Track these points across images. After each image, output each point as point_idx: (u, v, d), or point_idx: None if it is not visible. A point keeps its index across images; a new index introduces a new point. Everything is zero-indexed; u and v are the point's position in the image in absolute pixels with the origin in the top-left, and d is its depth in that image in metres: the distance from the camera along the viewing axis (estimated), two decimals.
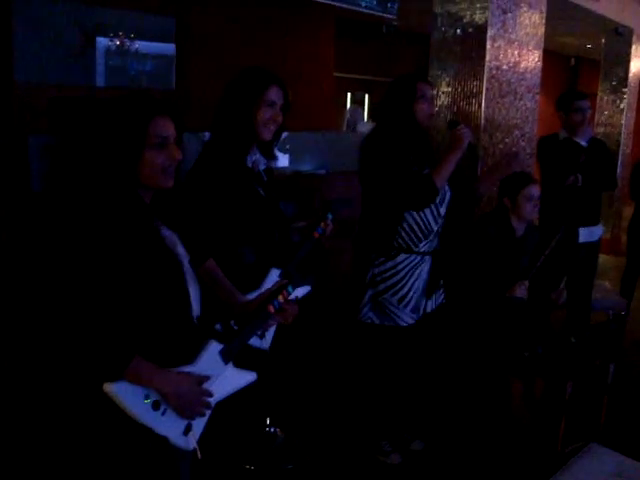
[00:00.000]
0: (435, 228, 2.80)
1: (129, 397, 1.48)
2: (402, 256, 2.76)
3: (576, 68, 11.12)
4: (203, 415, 1.63)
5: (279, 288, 1.78)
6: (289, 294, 1.78)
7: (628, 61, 7.58)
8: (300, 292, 2.04)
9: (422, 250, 2.79)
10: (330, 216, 2.27)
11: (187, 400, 1.56)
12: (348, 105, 8.53)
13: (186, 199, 1.98)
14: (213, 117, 2.21)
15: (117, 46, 6.13)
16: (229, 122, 2.17)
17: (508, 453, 2.97)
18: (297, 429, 3.13)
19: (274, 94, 2.19)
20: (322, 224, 2.25)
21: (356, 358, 3.15)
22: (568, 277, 3.99)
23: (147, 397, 1.52)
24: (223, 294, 1.91)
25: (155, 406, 1.53)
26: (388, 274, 2.77)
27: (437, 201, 2.75)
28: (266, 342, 2.24)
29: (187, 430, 1.61)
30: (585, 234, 3.85)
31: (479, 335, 3.00)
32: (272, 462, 2.88)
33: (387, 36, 8.29)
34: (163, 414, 1.55)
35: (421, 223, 2.76)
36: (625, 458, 2.33)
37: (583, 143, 3.76)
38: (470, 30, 4.56)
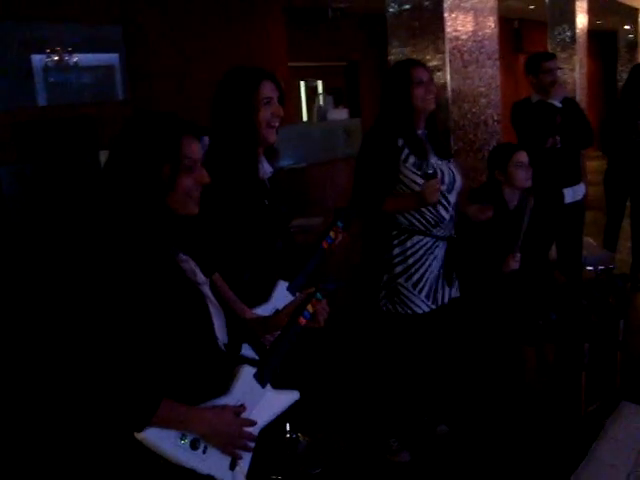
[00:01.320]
0: (446, 216, 2.72)
1: (163, 441, 1.36)
2: (417, 237, 2.69)
3: (519, 30, 11.22)
4: (248, 448, 1.51)
5: (307, 297, 1.64)
6: (319, 302, 1.65)
7: (574, 17, 7.66)
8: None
9: (437, 234, 2.72)
10: (340, 224, 2.13)
11: (228, 436, 1.44)
12: (302, 94, 8.42)
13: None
14: (212, 126, 2.08)
15: (55, 62, 5.90)
16: (230, 134, 2.06)
17: (532, 422, 2.96)
18: (318, 431, 3.06)
19: (268, 89, 2.08)
20: (332, 233, 2.12)
21: (372, 348, 3.07)
22: (558, 239, 4.01)
23: (183, 437, 1.39)
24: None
25: (193, 445, 1.40)
26: (402, 257, 2.69)
27: (444, 189, 2.67)
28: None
29: (233, 465, 1.48)
30: (570, 194, 3.86)
31: (492, 311, 2.96)
32: (299, 469, 2.81)
33: (334, 20, 8.22)
34: (204, 452, 1.42)
35: (432, 210, 2.67)
36: None
37: (557, 104, 3.76)
38: (426, 3, 4.51)
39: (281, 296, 2.07)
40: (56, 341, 1.32)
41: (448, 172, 2.72)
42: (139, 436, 1.33)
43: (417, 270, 2.70)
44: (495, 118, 4.90)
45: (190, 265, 1.52)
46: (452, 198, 2.73)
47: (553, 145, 3.69)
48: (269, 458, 2.75)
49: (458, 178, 2.77)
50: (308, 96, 8.84)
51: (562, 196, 3.84)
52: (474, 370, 3.16)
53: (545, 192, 3.75)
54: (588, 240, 4.71)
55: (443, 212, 2.70)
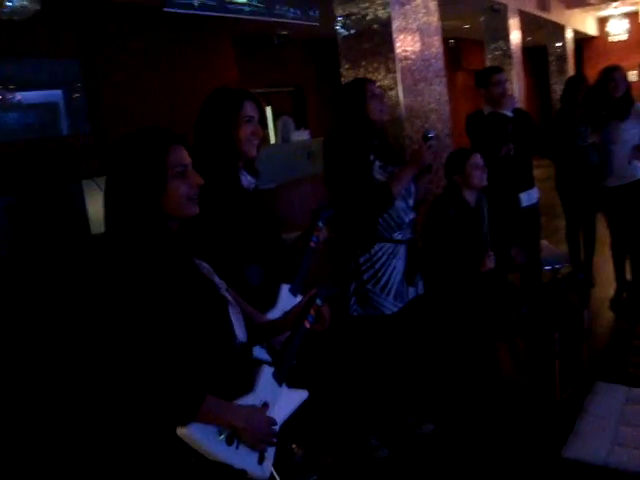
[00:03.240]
0: (406, 220, 2.93)
1: (205, 436, 1.45)
2: (378, 245, 2.88)
3: (457, 48, 11.68)
4: (273, 444, 1.62)
5: (308, 302, 1.76)
6: (318, 307, 1.77)
7: (507, 35, 8.08)
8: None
9: (397, 238, 2.91)
10: (320, 224, 2.33)
11: (259, 432, 1.54)
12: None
13: (194, 230, 1.97)
14: (194, 142, 2.19)
15: None
16: (212, 148, 2.18)
17: (510, 413, 3.12)
18: (310, 438, 3.14)
19: (250, 109, 2.22)
20: (315, 233, 2.31)
21: (348, 353, 3.20)
22: (516, 242, 4.22)
23: (220, 433, 1.49)
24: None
25: (229, 441, 1.50)
26: (369, 263, 2.88)
27: (404, 193, 2.88)
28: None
29: (261, 458, 1.59)
30: (525, 198, 4.08)
31: (464, 310, 3.13)
32: (296, 478, 2.88)
33: (280, 46, 8.41)
34: (237, 447, 1.52)
35: (393, 214, 2.87)
36: (628, 387, 2.53)
37: (509, 114, 4.00)
38: (375, 26, 4.73)
39: (286, 298, 2.20)
40: (102, 351, 1.41)
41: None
42: (182, 431, 1.42)
43: (384, 274, 2.88)
44: (446, 132, 5.15)
45: (207, 268, 1.63)
46: (411, 202, 2.95)
47: (507, 153, 3.90)
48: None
49: (413, 185, 2.97)
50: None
51: (518, 200, 4.05)
52: (451, 367, 3.31)
53: (502, 197, 3.97)
54: (543, 242, 4.96)
55: (403, 215, 2.90)
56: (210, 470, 1.48)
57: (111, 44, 5.72)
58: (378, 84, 4.84)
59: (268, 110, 9.53)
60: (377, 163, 2.84)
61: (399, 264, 2.93)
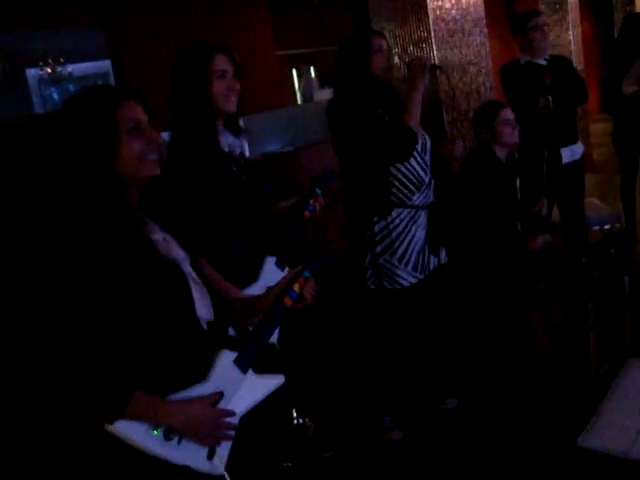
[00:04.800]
0: (425, 179, 2.69)
1: (135, 433, 1.31)
2: (396, 211, 2.65)
3: None
4: (228, 438, 1.46)
5: (294, 276, 1.58)
6: (306, 280, 1.58)
7: None
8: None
9: (417, 203, 2.67)
10: (319, 191, 2.17)
11: (203, 427, 1.39)
12: (295, 81, 8.34)
13: (165, 198, 1.82)
14: (169, 108, 2.05)
15: (49, 74, 5.88)
16: (185, 108, 2.03)
17: (543, 387, 2.90)
18: (324, 414, 3.02)
19: (221, 62, 2.06)
20: (311, 201, 2.14)
21: (367, 327, 3.03)
22: (558, 200, 3.92)
23: (156, 428, 1.34)
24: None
25: (167, 436, 1.35)
26: (384, 233, 2.65)
27: (419, 149, 2.64)
28: (273, 336, 2.10)
29: (211, 454, 1.43)
30: (568, 154, 3.77)
31: (491, 280, 2.90)
32: (308, 454, 2.77)
33: (320, 4, 8.12)
34: (179, 443, 1.37)
35: (410, 175, 2.65)
36: None
37: (543, 62, 3.66)
38: None
39: (271, 272, 2.04)
40: (23, 334, 1.27)
41: (420, 134, 2.68)
42: (108, 428, 1.29)
43: (401, 243, 2.65)
44: (487, 86, 4.81)
45: (166, 242, 1.48)
46: (427, 158, 2.70)
47: (545, 105, 3.59)
48: (278, 445, 2.71)
49: (428, 139, 2.74)
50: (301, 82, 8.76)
51: (560, 156, 3.74)
52: (478, 339, 3.10)
53: (542, 153, 3.67)
54: (593, 201, 4.62)
55: (422, 173, 2.66)
56: (151, 463, 1.35)
57: (139, 9, 5.61)
58: (409, 36, 4.59)
59: (311, 70, 9.31)
60: (387, 118, 2.61)
61: (419, 232, 2.70)
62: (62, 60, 5.88)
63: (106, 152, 1.36)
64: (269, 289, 1.65)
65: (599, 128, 8.52)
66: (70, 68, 5.96)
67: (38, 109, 5.83)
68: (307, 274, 1.58)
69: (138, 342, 1.36)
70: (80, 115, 1.38)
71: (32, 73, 5.76)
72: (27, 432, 2.35)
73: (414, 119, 2.54)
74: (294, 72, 8.73)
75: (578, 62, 7.70)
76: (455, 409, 2.92)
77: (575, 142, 3.84)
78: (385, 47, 2.63)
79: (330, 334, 3.73)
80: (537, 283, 2.78)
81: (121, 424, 1.29)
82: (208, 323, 1.52)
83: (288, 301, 1.57)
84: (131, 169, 1.39)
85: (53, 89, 5.94)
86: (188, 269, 1.51)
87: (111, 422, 1.28)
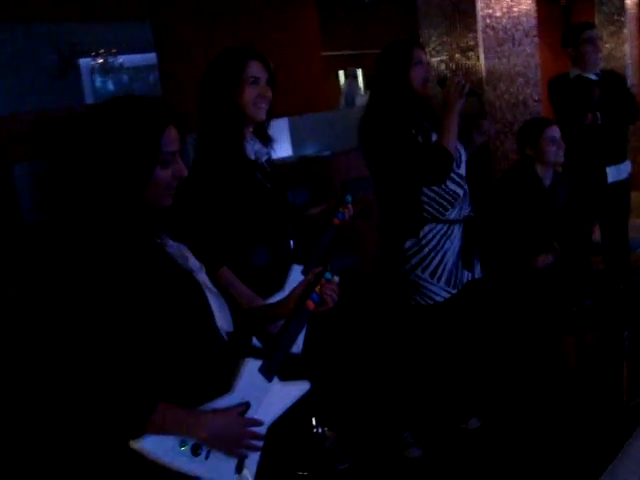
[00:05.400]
0: (460, 192, 2.61)
1: (162, 449, 1.27)
2: (427, 227, 2.58)
3: (569, 7, 10.75)
4: (255, 448, 1.42)
5: (315, 278, 1.51)
6: (328, 282, 1.51)
7: None
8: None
9: (451, 218, 2.60)
10: (349, 198, 2.09)
11: (231, 439, 1.35)
12: (341, 83, 8.30)
13: (188, 205, 1.81)
14: (197, 113, 2.03)
15: (100, 64, 5.98)
16: (214, 112, 2.00)
17: (570, 413, 2.80)
18: (344, 425, 2.98)
19: (255, 69, 2.02)
20: (341, 208, 2.07)
21: (395, 340, 2.97)
22: (601, 220, 3.80)
23: (183, 443, 1.30)
24: (242, 303, 1.72)
25: (195, 451, 1.31)
26: (415, 249, 2.58)
27: (453, 164, 2.57)
28: (297, 346, 2.06)
29: (240, 467, 1.39)
30: (613, 172, 3.63)
31: (524, 299, 2.81)
32: (325, 464, 2.73)
33: (370, 6, 8.07)
34: (207, 458, 1.33)
35: (443, 192, 2.57)
36: None
37: (593, 77, 3.54)
38: None
39: (297, 281, 1.99)
40: (48, 345, 1.28)
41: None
42: (135, 445, 1.25)
43: (433, 259, 2.58)
44: (535, 98, 4.70)
45: (182, 253, 1.45)
46: (462, 171, 2.62)
47: (593, 121, 3.47)
48: (295, 453, 2.69)
49: (462, 151, 2.65)
50: None
51: (605, 175, 3.62)
52: (508, 359, 3.02)
53: (586, 171, 3.55)
54: (638, 222, 4.46)
55: (456, 188, 2.59)
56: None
57: (185, 7, 5.65)
58: (457, 43, 4.50)
59: (358, 72, 9.24)
60: (419, 138, 2.53)
61: (453, 246, 2.62)
62: (114, 51, 5.99)
63: (142, 180, 1.33)
64: (287, 295, 1.62)
65: None
66: (121, 59, 6.05)
67: (88, 99, 5.93)
68: (328, 276, 1.52)
69: (160, 355, 1.33)
70: (123, 134, 1.32)
71: (84, 63, 5.86)
72: (51, 446, 2.36)
73: (451, 144, 2.48)
74: (341, 74, 8.70)
75: (634, 76, 7.47)
76: (478, 429, 2.84)
77: (623, 160, 3.70)
78: (425, 60, 2.57)
79: (356, 345, 3.69)
80: (571, 306, 2.68)
81: (147, 441, 1.26)
82: (228, 334, 1.49)
83: (310, 304, 1.50)
84: (154, 198, 1.37)
85: (105, 79, 6.04)
86: (203, 278, 1.48)
87: (136, 437, 1.25)
